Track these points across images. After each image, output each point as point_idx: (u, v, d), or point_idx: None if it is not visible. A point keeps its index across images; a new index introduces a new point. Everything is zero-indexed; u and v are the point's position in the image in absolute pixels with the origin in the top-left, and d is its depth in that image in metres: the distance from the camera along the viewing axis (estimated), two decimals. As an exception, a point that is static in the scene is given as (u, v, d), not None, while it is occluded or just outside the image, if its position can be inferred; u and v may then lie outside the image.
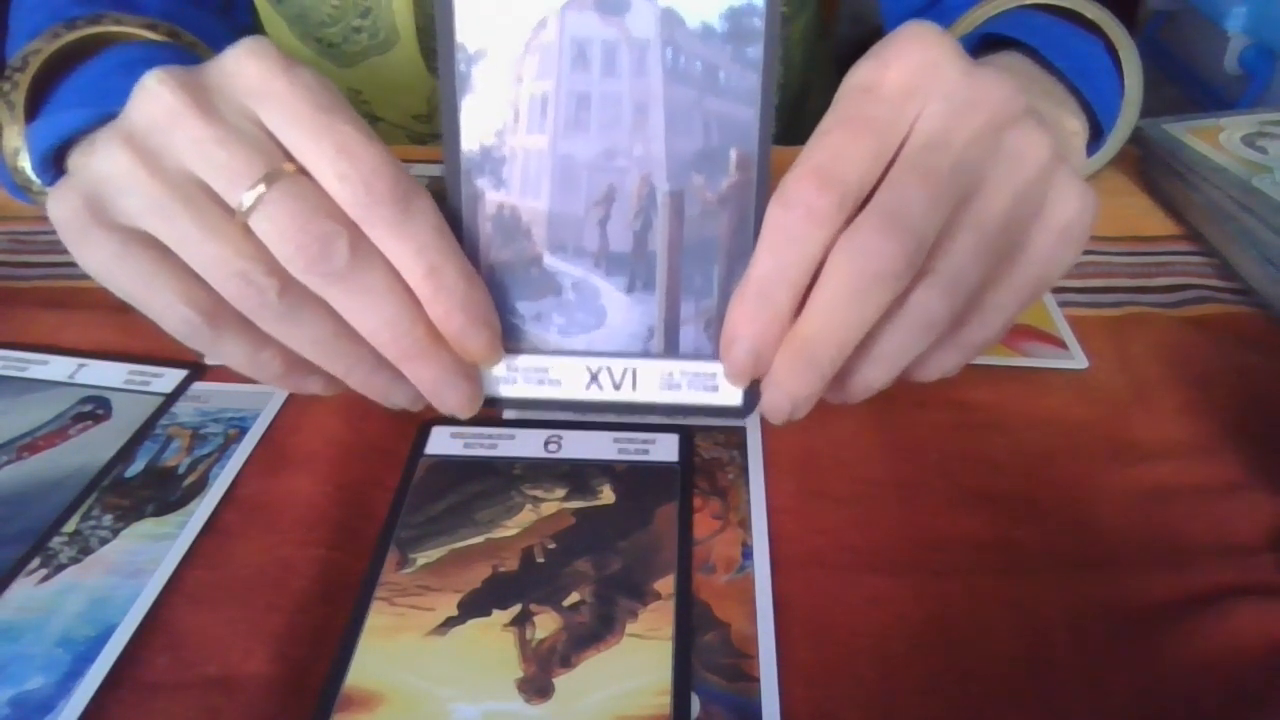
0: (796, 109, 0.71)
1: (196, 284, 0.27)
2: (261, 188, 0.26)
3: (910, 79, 0.27)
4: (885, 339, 0.27)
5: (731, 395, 0.30)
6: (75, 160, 0.38)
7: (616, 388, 0.31)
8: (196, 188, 0.27)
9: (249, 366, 0.29)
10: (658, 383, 0.30)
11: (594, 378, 0.31)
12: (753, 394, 0.30)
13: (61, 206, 0.28)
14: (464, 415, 0.30)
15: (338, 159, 0.26)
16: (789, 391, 0.27)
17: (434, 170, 0.50)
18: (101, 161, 0.27)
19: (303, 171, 0.27)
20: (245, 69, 0.27)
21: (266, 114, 0.27)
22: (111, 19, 0.42)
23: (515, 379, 0.31)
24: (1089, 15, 0.45)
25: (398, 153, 0.42)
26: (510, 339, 0.30)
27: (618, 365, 0.30)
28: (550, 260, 0.30)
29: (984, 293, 0.28)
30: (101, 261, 0.28)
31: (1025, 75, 0.43)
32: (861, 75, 0.27)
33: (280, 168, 0.26)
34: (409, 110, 0.59)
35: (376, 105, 0.60)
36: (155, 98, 0.27)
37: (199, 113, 0.26)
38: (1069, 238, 0.28)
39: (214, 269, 0.27)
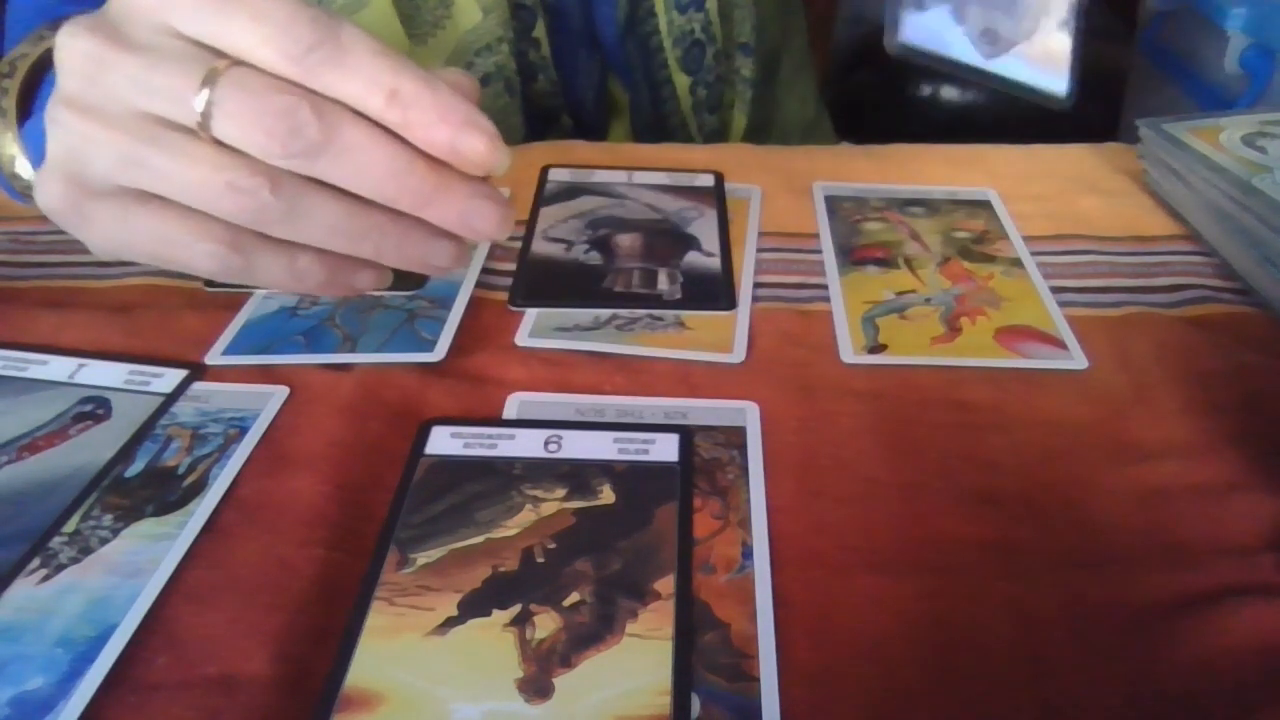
0: (768, 73, 0.71)
1: (204, 218, 0.27)
2: (206, 92, 0.25)
3: None
4: None
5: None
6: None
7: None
8: (152, 123, 0.26)
9: (296, 281, 0.29)
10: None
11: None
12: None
13: (48, 196, 0.28)
14: (502, 236, 0.30)
15: (253, 27, 0.26)
16: None
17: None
18: (59, 136, 0.27)
19: (239, 61, 0.26)
20: None
21: (178, 21, 0.26)
22: None
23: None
24: None
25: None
26: None
27: None
28: None
29: None
30: (108, 234, 0.28)
31: None
32: None
33: (214, 66, 0.26)
34: None
35: None
36: (72, 51, 0.27)
37: (117, 48, 0.26)
38: None
39: (202, 193, 0.26)
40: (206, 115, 0.26)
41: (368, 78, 0.26)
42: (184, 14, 0.26)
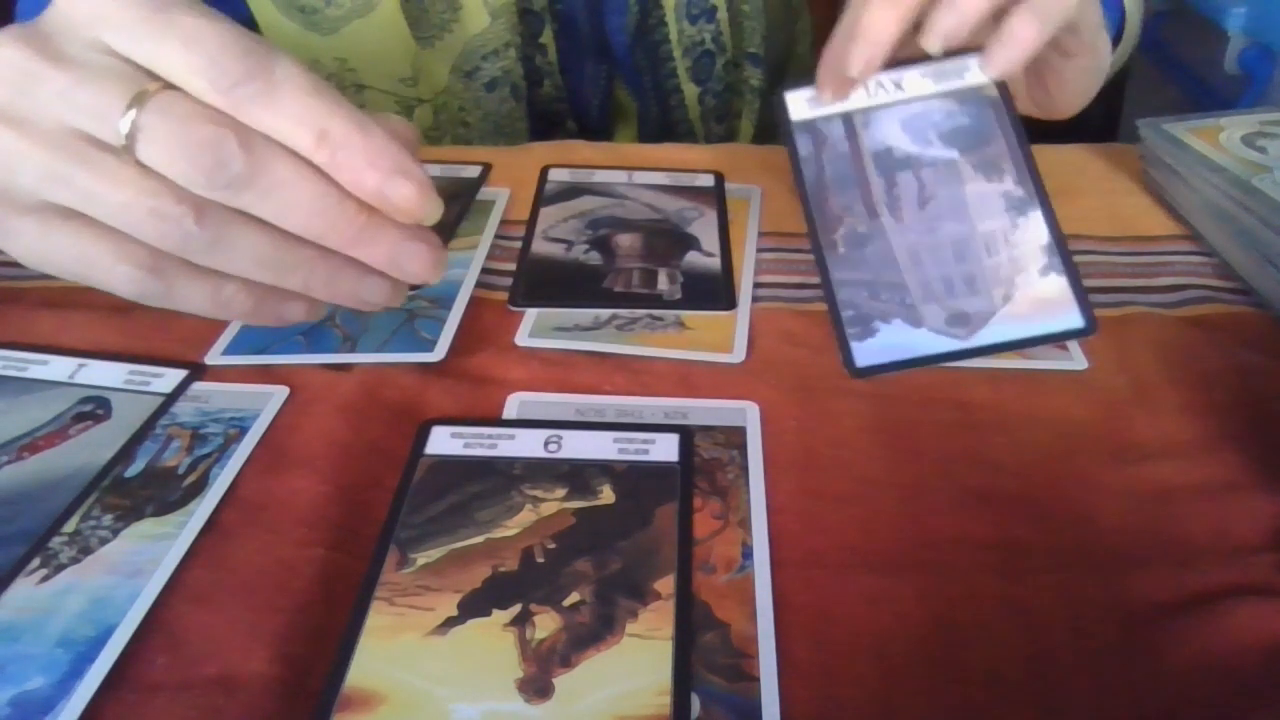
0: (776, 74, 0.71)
1: (127, 239, 0.27)
2: (132, 114, 0.25)
3: None
4: None
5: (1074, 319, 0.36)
6: None
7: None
8: (79, 140, 0.26)
9: (220, 309, 0.28)
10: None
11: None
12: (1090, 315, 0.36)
13: None
14: (433, 279, 0.29)
15: (185, 54, 0.25)
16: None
17: (432, 170, 0.50)
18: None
19: (170, 85, 0.26)
20: (77, 1, 0.26)
21: (111, 38, 0.26)
22: None
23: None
24: None
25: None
26: None
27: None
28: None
29: None
30: (28, 247, 0.27)
31: None
32: None
33: (143, 89, 0.25)
34: (394, 74, 0.59)
35: (362, 72, 0.60)
36: (4, 62, 0.26)
37: (47, 61, 0.26)
38: None
39: (126, 216, 0.26)
40: (132, 138, 0.25)
41: (297, 116, 0.26)
42: (117, 32, 0.26)
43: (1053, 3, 0.36)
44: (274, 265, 0.28)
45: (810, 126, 0.40)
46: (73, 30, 0.26)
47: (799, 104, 0.40)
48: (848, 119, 0.40)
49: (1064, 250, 0.38)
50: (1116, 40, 0.52)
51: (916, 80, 0.40)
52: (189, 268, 0.27)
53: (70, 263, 0.27)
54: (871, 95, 0.40)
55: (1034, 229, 0.38)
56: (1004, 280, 0.37)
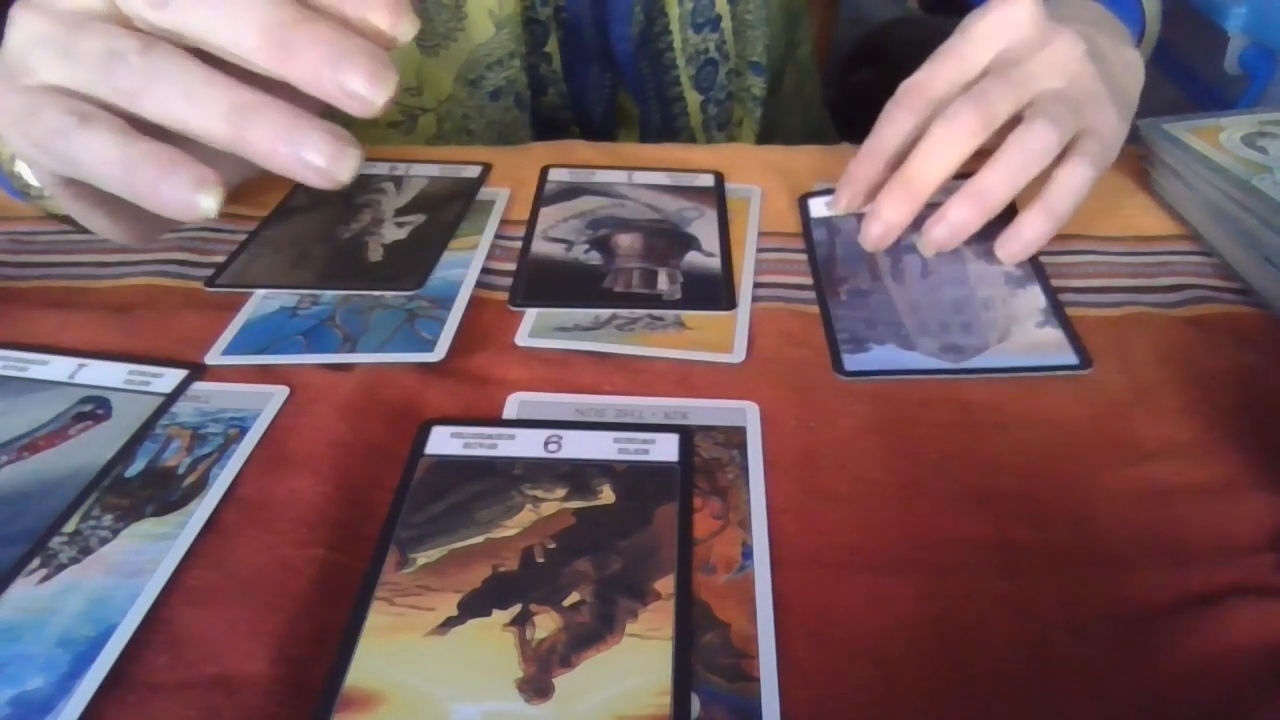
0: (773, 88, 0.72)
1: (76, 98, 0.29)
2: None
3: (994, 27, 0.40)
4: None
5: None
6: None
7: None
8: (83, 16, 0.29)
9: (124, 169, 0.28)
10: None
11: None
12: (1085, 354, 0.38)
13: None
14: (378, 100, 0.27)
15: None
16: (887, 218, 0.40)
17: (432, 170, 0.50)
18: (13, 34, 0.29)
19: None
20: None
21: None
22: None
23: None
24: None
25: (395, 154, 0.42)
26: None
27: None
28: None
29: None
30: (7, 114, 0.29)
31: (1088, 11, 0.48)
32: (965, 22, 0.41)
33: None
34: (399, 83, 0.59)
35: None
36: None
37: None
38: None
39: (89, 65, 0.28)
40: None
41: None
42: None
43: (1063, 199, 0.40)
44: (206, 101, 0.27)
45: (827, 221, 0.46)
46: None
47: (819, 207, 0.47)
48: (861, 217, 0.44)
49: (1061, 314, 0.40)
50: (1139, 42, 0.54)
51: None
52: (113, 122, 0.28)
53: (27, 119, 0.29)
54: None
55: (1031, 299, 0.41)
56: (999, 328, 0.39)
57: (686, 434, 0.34)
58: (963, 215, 0.39)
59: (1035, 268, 0.42)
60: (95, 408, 0.36)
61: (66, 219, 0.37)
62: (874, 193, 0.41)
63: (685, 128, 0.64)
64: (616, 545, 0.30)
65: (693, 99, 0.62)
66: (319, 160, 0.27)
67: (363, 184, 0.49)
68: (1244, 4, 0.84)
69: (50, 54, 0.29)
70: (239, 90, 0.28)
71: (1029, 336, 0.39)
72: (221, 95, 0.27)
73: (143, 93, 0.28)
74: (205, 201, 0.28)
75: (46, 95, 0.29)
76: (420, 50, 0.57)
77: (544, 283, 0.43)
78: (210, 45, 0.28)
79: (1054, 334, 0.39)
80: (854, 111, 0.75)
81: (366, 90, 0.27)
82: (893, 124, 0.41)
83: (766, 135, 0.67)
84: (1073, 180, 0.39)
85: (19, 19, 0.30)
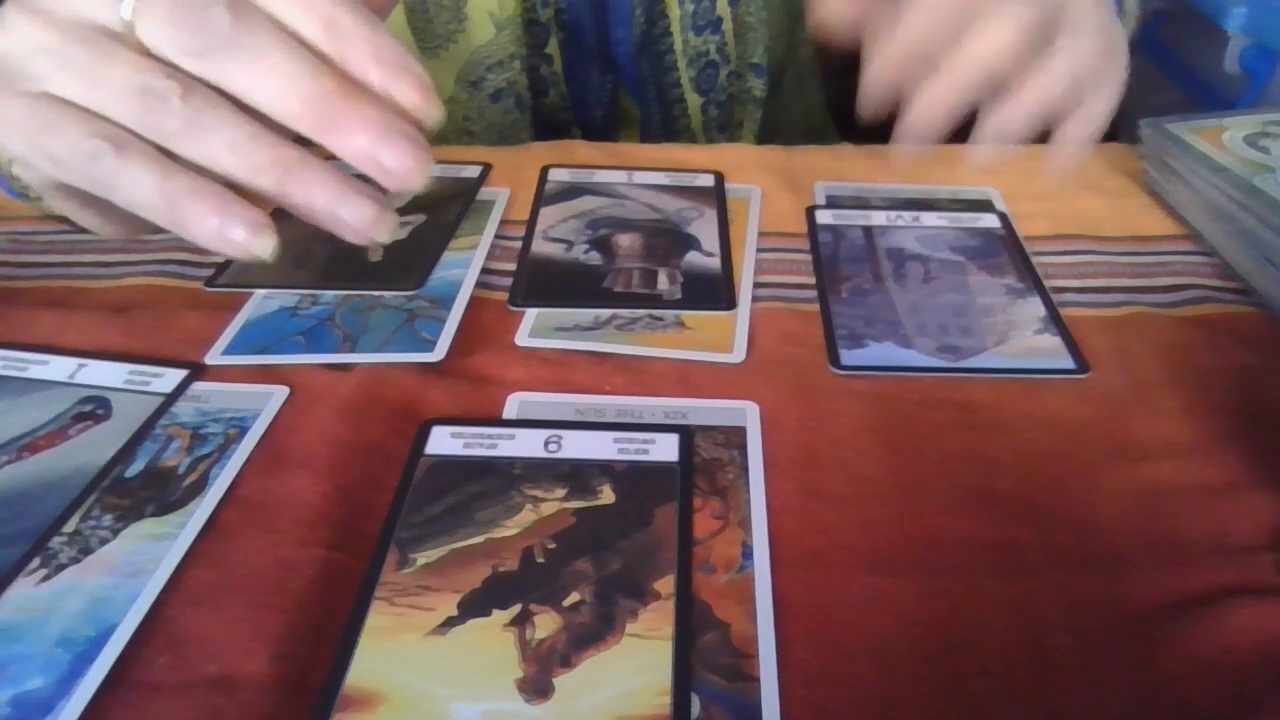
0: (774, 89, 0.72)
1: (101, 120, 0.27)
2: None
3: None
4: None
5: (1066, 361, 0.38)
6: None
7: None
8: (88, 27, 0.27)
9: (165, 201, 0.27)
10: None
11: None
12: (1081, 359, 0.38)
13: None
14: (416, 181, 0.27)
15: None
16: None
17: (433, 172, 0.50)
18: (10, 35, 0.28)
19: None
20: None
21: None
22: None
23: None
24: None
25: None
26: None
27: None
28: None
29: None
30: (8, 120, 0.28)
31: None
32: None
33: None
34: None
35: None
36: None
37: None
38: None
39: (118, 94, 0.27)
40: (133, 19, 0.27)
41: (306, 3, 0.27)
42: None
43: (1097, 114, 0.37)
44: (248, 155, 0.27)
45: (832, 228, 0.47)
46: None
47: (825, 216, 0.48)
48: (868, 230, 0.46)
49: (1060, 323, 0.40)
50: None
51: (933, 218, 0.47)
52: (148, 151, 0.27)
53: (41, 133, 0.28)
54: (891, 221, 0.47)
55: (1031, 308, 0.41)
56: (998, 333, 0.40)
57: (686, 434, 0.34)
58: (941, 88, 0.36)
59: (1035, 279, 0.43)
60: (95, 408, 0.36)
61: (65, 219, 0.38)
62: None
63: (686, 129, 0.64)
64: (616, 545, 0.30)
65: (693, 101, 0.62)
66: (358, 223, 0.28)
67: (363, 184, 0.49)
68: (1244, 4, 0.84)
69: (55, 65, 0.28)
70: (284, 148, 0.27)
71: (1027, 342, 0.39)
72: (266, 152, 0.27)
73: (184, 136, 0.27)
74: (261, 246, 0.28)
75: (59, 110, 0.28)
76: (421, 51, 0.57)
77: (544, 283, 0.43)
78: (249, 101, 0.27)
79: (1052, 340, 0.39)
80: (854, 111, 0.75)
81: (408, 172, 0.27)
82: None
83: (767, 136, 0.67)
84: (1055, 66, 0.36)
85: (11, 21, 0.29)
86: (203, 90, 0.27)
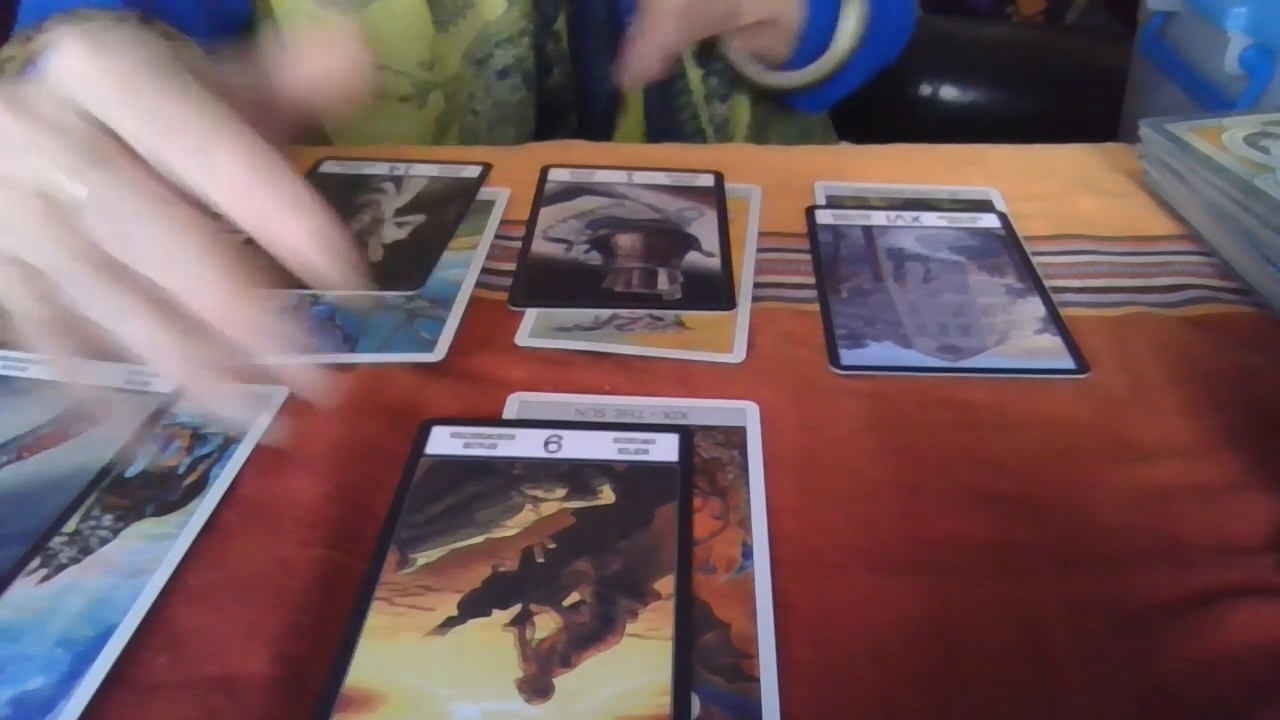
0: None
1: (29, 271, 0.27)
2: (87, 176, 0.26)
3: None
4: None
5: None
6: None
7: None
8: (38, 197, 0.27)
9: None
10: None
11: None
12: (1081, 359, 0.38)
13: None
14: (325, 398, 0.29)
15: (138, 123, 0.26)
16: None
17: (432, 170, 0.50)
18: None
19: (130, 150, 0.26)
20: (64, 61, 0.27)
21: (82, 99, 0.27)
22: (82, 15, 0.42)
23: None
24: None
25: (394, 154, 0.42)
26: None
27: None
28: None
29: None
30: None
31: None
32: None
33: (98, 154, 0.26)
34: (413, 57, 0.60)
35: (382, 53, 0.60)
36: None
37: (14, 116, 0.27)
38: None
39: (40, 254, 0.27)
40: (84, 199, 0.26)
41: (235, 196, 0.27)
42: (87, 95, 0.27)
43: None
44: (162, 354, 0.28)
45: (832, 228, 0.47)
46: (48, 87, 0.27)
47: (825, 216, 0.48)
48: (868, 230, 0.47)
49: (1060, 323, 0.40)
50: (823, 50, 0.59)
51: (933, 218, 0.47)
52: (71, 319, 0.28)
53: None
54: (891, 221, 0.47)
55: (1031, 308, 0.41)
56: (998, 333, 0.40)
57: (686, 434, 0.34)
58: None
59: (1035, 279, 0.43)
60: (95, 408, 0.35)
61: None
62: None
63: (688, 105, 0.64)
64: (616, 545, 0.30)
65: (694, 75, 0.63)
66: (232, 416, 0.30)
67: (363, 184, 0.49)
68: (1244, 4, 0.84)
69: (11, 242, 0.27)
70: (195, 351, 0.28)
71: (1027, 342, 0.39)
72: (178, 353, 0.28)
73: (91, 311, 0.27)
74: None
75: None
76: (434, 24, 0.57)
77: (544, 283, 0.43)
78: (169, 294, 0.27)
79: (1052, 340, 0.39)
80: (853, 111, 0.75)
81: (314, 392, 0.29)
82: None
83: (764, 116, 0.67)
84: None
85: None
86: (122, 287, 0.27)
